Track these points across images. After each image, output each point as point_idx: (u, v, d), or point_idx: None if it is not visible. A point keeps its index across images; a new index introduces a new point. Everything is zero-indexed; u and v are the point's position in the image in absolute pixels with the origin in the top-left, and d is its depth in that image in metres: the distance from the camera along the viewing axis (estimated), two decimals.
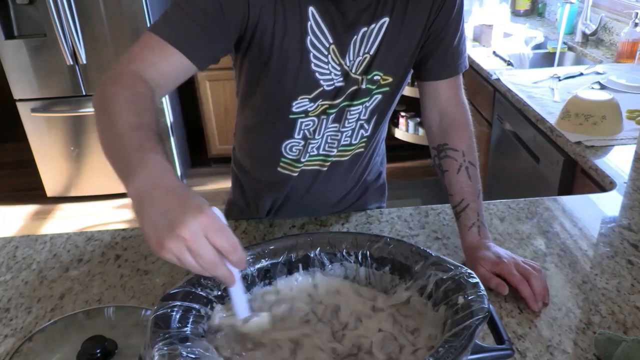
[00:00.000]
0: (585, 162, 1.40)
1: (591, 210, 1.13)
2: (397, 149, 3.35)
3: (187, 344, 0.57)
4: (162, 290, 0.90)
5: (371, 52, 0.91)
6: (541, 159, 1.74)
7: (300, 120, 0.97)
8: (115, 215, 3.13)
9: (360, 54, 0.91)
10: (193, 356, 0.55)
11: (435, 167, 1.02)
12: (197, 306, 0.64)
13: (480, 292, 0.63)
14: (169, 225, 0.54)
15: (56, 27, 2.74)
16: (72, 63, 2.87)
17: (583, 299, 0.85)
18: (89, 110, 3.02)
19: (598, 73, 2.08)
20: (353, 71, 0.92)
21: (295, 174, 1.05)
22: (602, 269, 0.93)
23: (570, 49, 2.63)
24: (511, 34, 2.68)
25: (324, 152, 1.03)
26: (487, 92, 2.25)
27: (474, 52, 2.57)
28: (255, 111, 1.01)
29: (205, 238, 0.55)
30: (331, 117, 0.97)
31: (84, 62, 2.89)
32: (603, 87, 1.93)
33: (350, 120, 0.99)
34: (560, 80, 2.02)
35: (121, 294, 0.90)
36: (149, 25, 2.84)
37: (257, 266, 0.73)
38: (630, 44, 2.22)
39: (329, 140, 1.01)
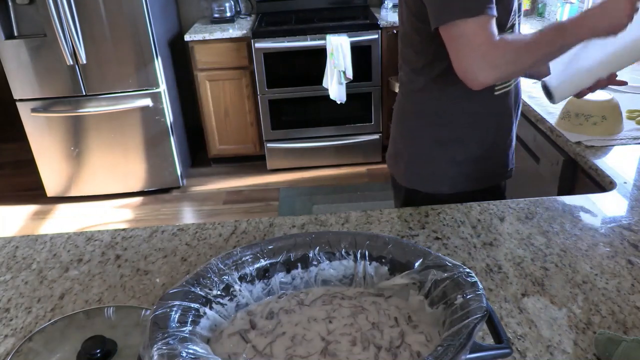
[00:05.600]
0: (585, 162, 1.40)
1: (591, 210, 1.13)
2: None
3: (186, 343, 0.57)
4: (162, 290, 0.90)
5: None
6: (541, 159, 1.74)
7: None
8: (115, 215, 3.13)
9: None
10: (192, 356, 0.55)
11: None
12: (196, 306, 0.64)
13: (478, 291, 0.63)
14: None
15: (56, 27, 2.74)
16: (72, 63, 2.87)
17: (583, 299, 0.85)
18: (89, 110, 3.03)
19: None
20: None
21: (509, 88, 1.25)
22: (602, 269, 0.93)
23: None
24: None
25: None
26: None
27: None
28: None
29: None
30: None
31: (84, 62, 2.89)
32: None
33: None
34: None
35: (121, 294, 0.90)
36: (148, 25, 2.87)
37: (256, 266, 0.73)
38: None
39: None
